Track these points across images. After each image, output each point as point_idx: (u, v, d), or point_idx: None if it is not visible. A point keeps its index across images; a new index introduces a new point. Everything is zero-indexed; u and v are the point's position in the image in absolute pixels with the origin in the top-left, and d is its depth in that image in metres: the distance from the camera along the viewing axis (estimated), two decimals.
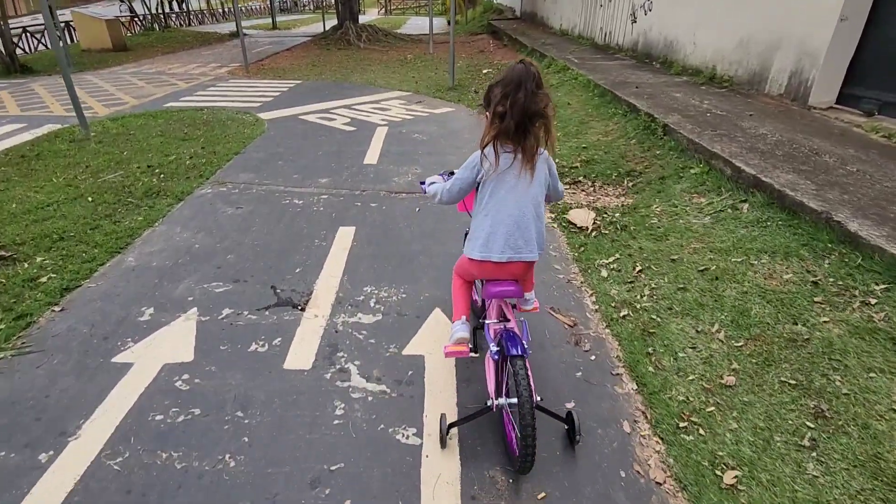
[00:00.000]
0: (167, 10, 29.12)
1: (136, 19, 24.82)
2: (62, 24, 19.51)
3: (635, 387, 2.34)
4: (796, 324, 2.36)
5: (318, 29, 23.81)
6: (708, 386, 2.22)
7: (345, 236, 3.77)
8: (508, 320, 2.02)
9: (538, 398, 1.83)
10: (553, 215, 4.10)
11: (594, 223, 3.84)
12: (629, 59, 8.84)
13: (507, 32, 16.38)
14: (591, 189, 4.54)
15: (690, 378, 2.28)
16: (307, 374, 2.40)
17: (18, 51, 15.86)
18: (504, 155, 1.75)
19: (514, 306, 2.25)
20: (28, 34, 17.30)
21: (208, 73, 11.65)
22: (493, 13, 27.50)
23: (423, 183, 2.26)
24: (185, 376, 2.37)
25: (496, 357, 1.89)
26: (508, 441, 1.96)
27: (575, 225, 3.87)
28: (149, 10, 25.75)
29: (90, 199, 4.30)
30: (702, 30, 7.07)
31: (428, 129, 6.83)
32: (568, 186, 4.64)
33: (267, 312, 2.85)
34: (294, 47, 17.07)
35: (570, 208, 4.14)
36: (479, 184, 1.87)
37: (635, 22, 9.25)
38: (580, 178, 4.73)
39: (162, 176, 4.91)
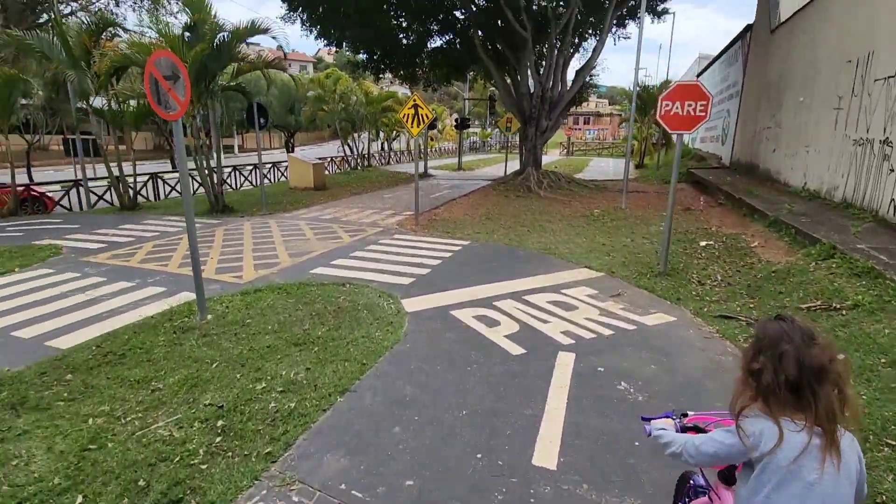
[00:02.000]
0: (375, 149, 33.38)
1: (346, 158, 28.48)
2: (284, 164, 22.91)
3: None
4: None
5: (501, 171, 23.96)
6: None
7: None
8: None
9: None
10: None
11: None
12: None
13: (721, 188, 13.46)
14: None
15: None
16: None
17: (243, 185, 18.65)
18: (791, 432, 1.21)
19: None
20: (257, 170, 20.35)
21: (379, 222, 11.13)
22: (693, 159, 24.83)
23: (646, 420, 1.73)
24: None
25: None
26: None
27: None
28: (358, 149, 29.48)
29: (80, 499, 2.63)
30: None
31: (640, 367, 4.23)
32: None
33: None
34: (472, 193, 16.64)
35: None
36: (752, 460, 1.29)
37: None
38: None
39: (220, 439, 3.16)
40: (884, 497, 2.66)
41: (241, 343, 4.59)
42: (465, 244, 8.93)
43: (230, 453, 3.03)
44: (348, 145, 29.34)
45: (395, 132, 35.37)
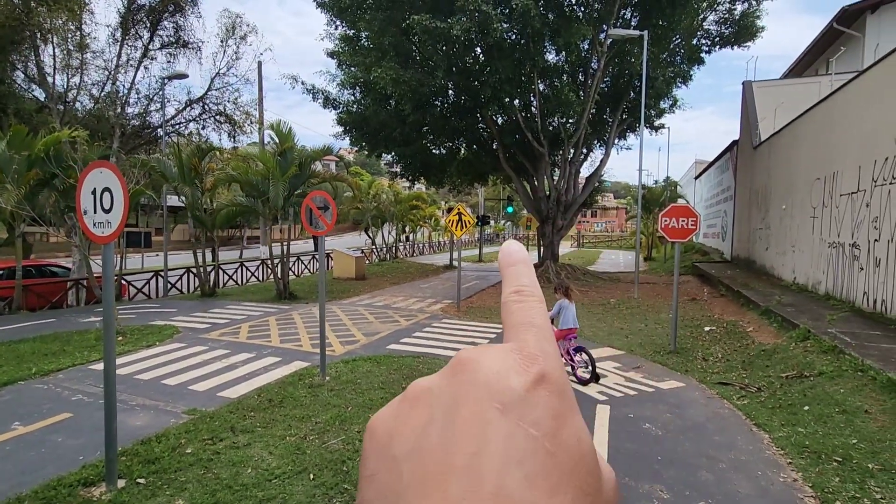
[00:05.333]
0: (398, 240, 36.13)
1: (374, 249, 31.02)
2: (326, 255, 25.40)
3: None
4: None
5: None
6: None
7: None
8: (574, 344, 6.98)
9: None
10: None
11: None
12: None
13: (723, 281, 15.23)
14: None
15: None
16: None
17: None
18: (565, 300, 6.90)
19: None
20: (299, 260, 22.75)
21: (425, 309, 12.94)
22: (696, 253, 26.92)
23: None
24: None
25: (573, 351, 6.93)
26: (576, 376, 6.85)
27: None
28: (385, 242, 32.15)
29: (312, 476, 4.22)
30: None
31: (659, 415, 5.76)
32: None
33: None
34: (498, 283, 18.54)
35: None
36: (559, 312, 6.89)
37: None
38: None
39: None
40: (840, 500, 4.13)
41: (360, 395, 6.22)
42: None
43: None
44: (370, 237, 32.03)
45: (418, 226, 38.45)
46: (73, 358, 7.65)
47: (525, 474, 0.25)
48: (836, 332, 7.79)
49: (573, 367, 6.86)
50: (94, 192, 3.86)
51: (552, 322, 6.87)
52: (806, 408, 5.66)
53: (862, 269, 9.87)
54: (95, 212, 3.88)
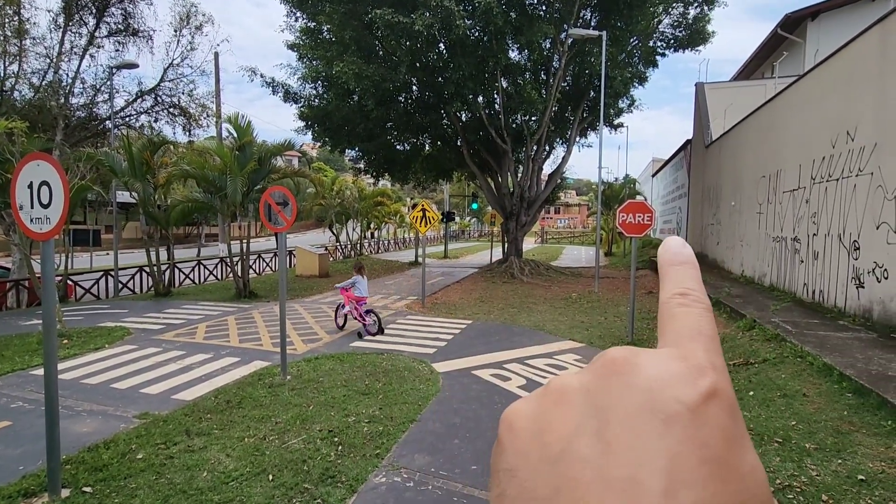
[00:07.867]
0: (362, 237, 35.75)
1: (338, 246, 30.58)
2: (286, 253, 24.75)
3: None
4: None
5: (484, 259, 26.34)
6: None
7: None
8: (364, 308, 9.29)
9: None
10: None
11: None
12: (864, 331, 7.32)
13: None
14: None
15: None
16: None
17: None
18: (359, 276, 9.24)
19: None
20: (260, 257, 22.15)
21: (390, 305, 12.87)
22: (654, 248, 27.90)
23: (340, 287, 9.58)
24: None
25: (365, 314, 9.19)
26: (366, 328, 9.23)
27: None
28: (349, 239, 31.74)
29: (271, 477, 4.13)
30: None
31: None
32: None
33: None
34: (463, 279, 18.65)
35: None
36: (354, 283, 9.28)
37: (862, 287, 7.96)
38: None
39: (340, 448, 4.69)
40: (780, 478, 4.38)
41: (322, 394, 6.13)
42: (468, 322, 10.70)
43: (352, 455, 4.57)
44: (334, 234, 31.56)
45: (383, 223, 38.17)
46: (13, 363, 7.21)
47: (694, 500, 0.23)
48: (779, 321, 8.25)
49: (364, 324, 9.16)
50: (30, 186, 3.64)
51: (347, 291, 9.28)
52: (751, 393, 5.97)
53: (802, 261, 10.49)
54: (32, 207, 3.66)
